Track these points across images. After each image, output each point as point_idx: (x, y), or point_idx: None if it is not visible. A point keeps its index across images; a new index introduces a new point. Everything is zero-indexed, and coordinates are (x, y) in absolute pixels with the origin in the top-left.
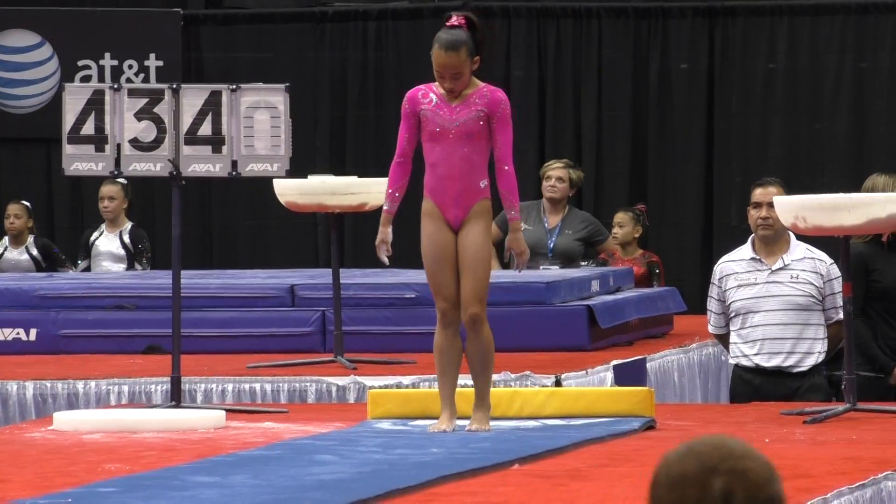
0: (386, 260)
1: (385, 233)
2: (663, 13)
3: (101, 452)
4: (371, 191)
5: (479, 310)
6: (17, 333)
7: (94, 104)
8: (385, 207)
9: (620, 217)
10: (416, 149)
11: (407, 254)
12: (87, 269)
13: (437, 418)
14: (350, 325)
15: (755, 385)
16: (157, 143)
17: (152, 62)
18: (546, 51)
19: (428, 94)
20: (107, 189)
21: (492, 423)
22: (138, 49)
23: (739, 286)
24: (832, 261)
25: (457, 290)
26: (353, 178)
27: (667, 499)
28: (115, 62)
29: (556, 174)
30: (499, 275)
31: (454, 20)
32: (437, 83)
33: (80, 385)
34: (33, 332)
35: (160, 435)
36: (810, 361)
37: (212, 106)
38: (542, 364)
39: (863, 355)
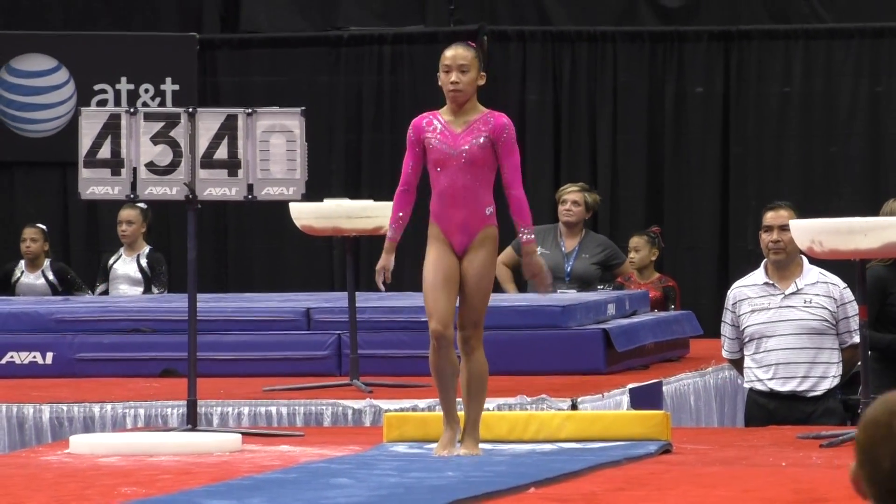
0: (383, 287)
1: (388, 260)
2: (678, 37)
3: (116, 476)
4: (386, 214)
5: (474, 334)
6: (34, 357)
7: (111, 128)
8: (389, 235)
9: (636, 241)
10: (422, 176)
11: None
12: (105, 292)
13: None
14: (366, 348)
15: (770, 409)
16: (172, 166)
17: (168, 86)
18: (561, 75)
19: (432, 122)
20: (126, 213)
21: (508, 446)
22: (154, 73)
23: (753, 311)
24: (845, 285)
25: (452, 313)
26: (369, 202)
27: (862, 440)
28: (132, 86)
29: (572, 198)
30: (515, 298)
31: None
32: (441, 110)
33: (96, 408)
34: (49, 355)
35: (176, 458)
36: (825, 386)
37: (227, 130)
38: (558, 387)
39: (891, 357)
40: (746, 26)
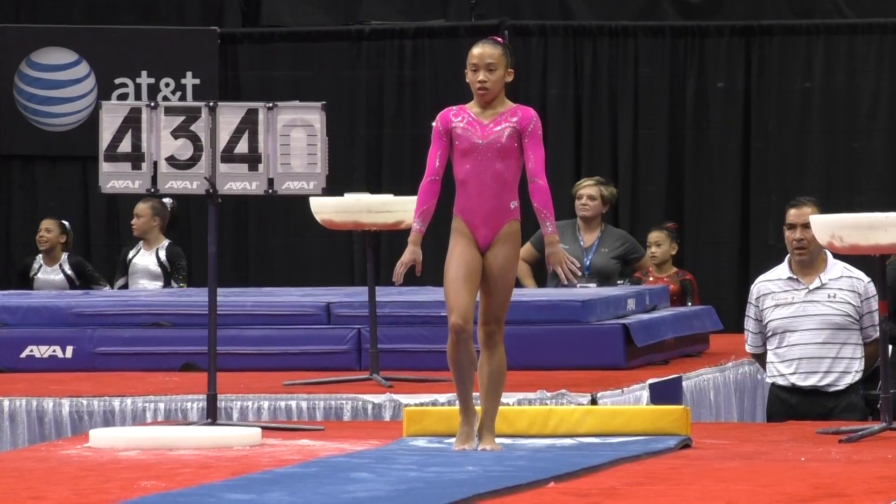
0: (399, 281)
1: (417, 252)
2: (700, 32)
3: (136, 470)
4: (407, 209)
5: (497, 329)
6: (54, 351)
7: (131, 122)
8: (415, 227)
9: (656, 236)
10: (447, 169)
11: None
12: (125, 286)
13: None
14: (386, 342)
15: (791, 404)
16: (193, 160)
17: (189, 80)
18: (582, 69)
19: (460, 113)
20: (136, 207)
21: (528, 440)
22: (175, 67)
23: (777, 305)
24: (870, 279)
25: (473, 308)
26: (390, 196)
27: None
28: (152, 80)
29: (587, 192)
30: (535, 293)
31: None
32: (469, 104)
33: (115, 402)
34: (69, 349)
35: (196, 452)
36: (847, 380)
37: (248, 124)
38: (577, 382)
39: None
40: (768, 21)
